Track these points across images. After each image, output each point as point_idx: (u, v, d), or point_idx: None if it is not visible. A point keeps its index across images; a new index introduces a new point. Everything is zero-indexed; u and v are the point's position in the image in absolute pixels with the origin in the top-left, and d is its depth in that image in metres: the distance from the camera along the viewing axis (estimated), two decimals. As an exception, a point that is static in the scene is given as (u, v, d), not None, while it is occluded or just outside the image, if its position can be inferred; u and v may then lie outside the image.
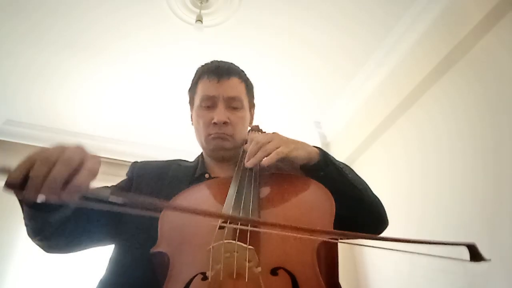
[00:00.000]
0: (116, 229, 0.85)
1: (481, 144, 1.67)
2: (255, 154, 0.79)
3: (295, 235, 0.55)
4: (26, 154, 0.53)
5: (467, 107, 1.78)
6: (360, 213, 0.83)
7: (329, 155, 0.85)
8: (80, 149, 0.55)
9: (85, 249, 0.86)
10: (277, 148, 0.77)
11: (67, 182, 0.51)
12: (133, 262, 0.76)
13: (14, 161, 0.51)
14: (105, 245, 0.89)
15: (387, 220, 0.90)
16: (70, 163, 0.52)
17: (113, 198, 0.52)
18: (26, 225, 0.72)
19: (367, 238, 0.53)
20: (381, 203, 0.90)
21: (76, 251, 0.84)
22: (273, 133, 0.86)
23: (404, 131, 2.23)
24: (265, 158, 0.77)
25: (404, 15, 2.06)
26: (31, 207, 0.65)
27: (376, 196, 0.90)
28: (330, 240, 0.61)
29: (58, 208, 0.66)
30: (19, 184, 0.50)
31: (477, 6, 1.71)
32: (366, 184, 0.90)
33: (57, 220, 0.71)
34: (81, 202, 0.53)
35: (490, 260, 0.51)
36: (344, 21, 2.08)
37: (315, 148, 0.83)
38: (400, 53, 2.20)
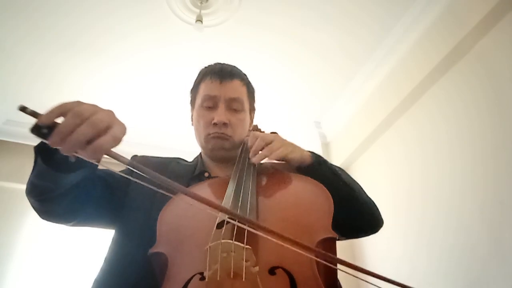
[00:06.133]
0: (114, 218, 0.86)
1: (481, 144, 1.67)
2: (261, 151, 0.84)
3: (289, 246, 0.53)
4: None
5: (467, 107, 1.78)
6: (355, 212, 0.85)
7: (321, 157, 0.90)
8: (111, 114, 0.57)
9: (78, 226, 0.85)
10: (279, 148, 0.83)
11: (90, 141, 0.52)
12: (130, 262, 0.76)
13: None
14: (97, 227, 0.90)
15: (382, 220, 0.93)
16: (99, 125, 0.53)
17: (131, 165, 0.54)
18: (31, 183, 0.71)
19: (363, 272, 0.53)
20: (375, 204, 0.93)
21: (69, 224, 0.83)
22: (272, 133, 0.88)
23: (404, 131, 2.23)
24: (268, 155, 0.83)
25: (404, 15, 2.05)
26: (47, 164, 0.64)
27: (369, 197, 0.93)
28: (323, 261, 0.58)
29: (71, 170, 0.66)
30: (46, 129, 0.51)
31: (476, 7, 1.71)
32: (360, 186, 0.94)
33: (66, 183, 0.70)
34: (98, 163, 0.55)
35: None
36: (344, 21, 2.07)
37: (307, 152, 0.89)
38: (400, 54, 2.19)
